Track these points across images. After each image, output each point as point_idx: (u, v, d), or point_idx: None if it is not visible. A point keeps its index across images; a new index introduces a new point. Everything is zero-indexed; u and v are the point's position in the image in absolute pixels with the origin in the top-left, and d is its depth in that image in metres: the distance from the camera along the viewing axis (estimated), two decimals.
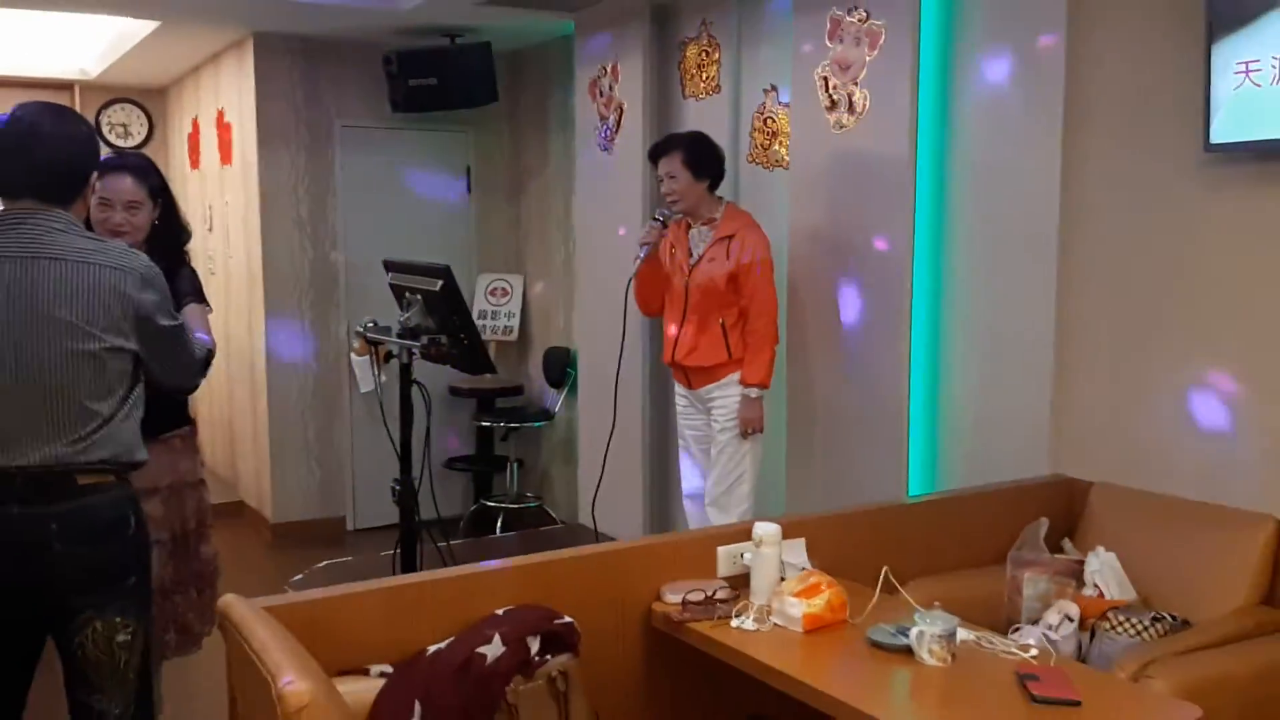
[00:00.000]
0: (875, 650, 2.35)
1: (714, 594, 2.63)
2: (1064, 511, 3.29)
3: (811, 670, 2.29)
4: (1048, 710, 2.06)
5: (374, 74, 5.85)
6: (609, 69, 5.13)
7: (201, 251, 7.19)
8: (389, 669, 2.29)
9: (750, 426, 3.89)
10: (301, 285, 5.96)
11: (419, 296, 3.62)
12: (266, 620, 2.00)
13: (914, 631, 2.30)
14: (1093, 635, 2.83)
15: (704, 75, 4.76)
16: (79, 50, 7.16)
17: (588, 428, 5.36)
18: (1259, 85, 2.72)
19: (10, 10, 5.73)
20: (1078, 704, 2.08)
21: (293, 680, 1.69)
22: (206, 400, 7.33)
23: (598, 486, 4.25)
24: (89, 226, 2.78)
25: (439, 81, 5.56)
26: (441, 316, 3.55)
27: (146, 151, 7.97)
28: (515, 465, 6.06)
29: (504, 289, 6.33)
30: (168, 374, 2.53)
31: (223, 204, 6.59)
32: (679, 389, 4.15)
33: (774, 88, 4.40)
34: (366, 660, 2.30)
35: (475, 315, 6.23)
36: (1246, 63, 2.74)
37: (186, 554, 3.24)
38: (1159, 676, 2.44)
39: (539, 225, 6.25)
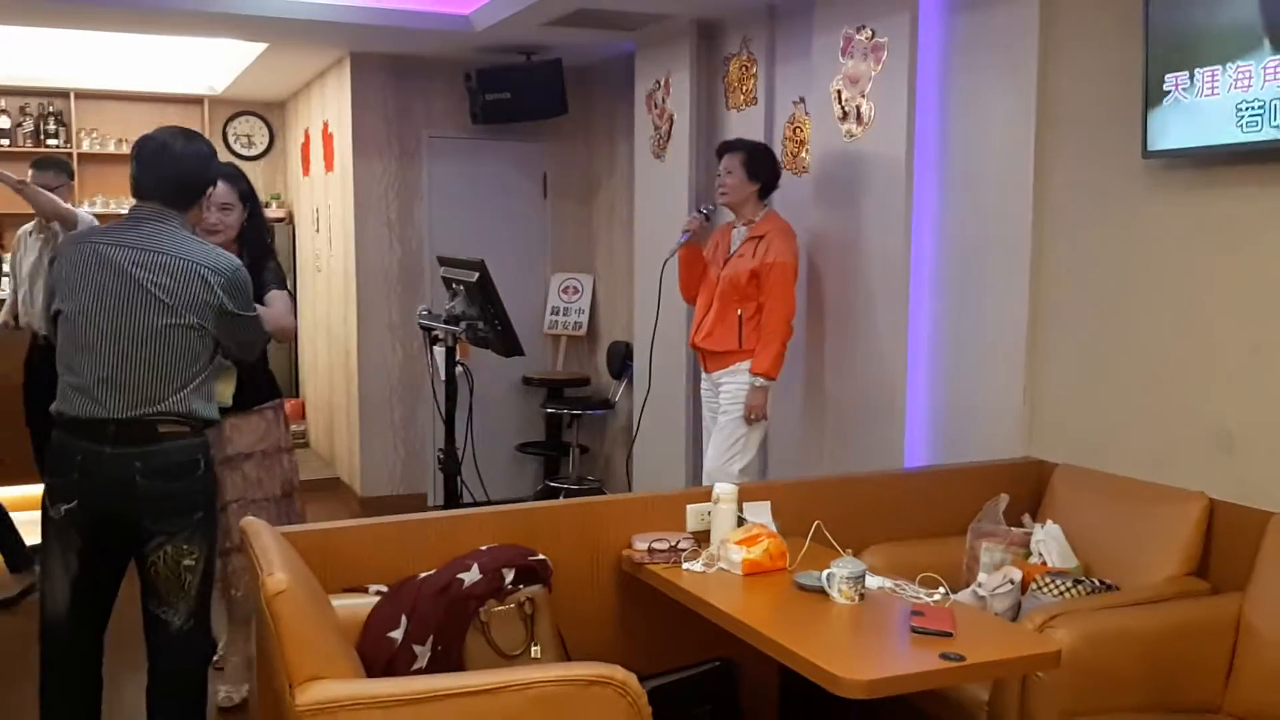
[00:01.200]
0: (798, 591, 2.71)
1: (677, 544, 3.01)
2: (1029, 490, 3.56)
3: (735, 603, 2.67)
4: (923, 639, 2.40)
5: (457, 89, 6.40)
6: (662, 82, 5.55)
7: (310, 250, 7.90)
8: (384, 588, 2.75)
9: (754, 413, 4.23)
10: (390, 280, 6.55)
11: (462, 287, 4.11)
12: (277, 538, 2.49)
13: (825, 573, 2.65)
14: None
15: (744, 88, 5.14)
16: (208, 68, 7.93)
17: (644, 417, 5.77)
18: (1185, 99, 2.98)
19: (144, 34, 6.47)
20: (949, 635, 2.41)
21: (274, 572, 2.17)
22: (311, 383, 8.03)
23: (630, 448, 4.65)
24: None
25: (512, 95, 6.07)
26: (480, 305, 4.03)
27: (266, 160, 8.78)
28: (577, 450, 6.52)
29: (575, 287, 6.80)
30: (239, 350, 3.13)
31: (327, 207, 7.26)
32: (702, 376, 4.54)
33: (802, 99, 4.75)
34: (366, 581, 2.77)
35: (548, 311, 6.75)
36: (1176, 77, 3.00)
37: (282, 513, 3.77)
38: (1061, 627, 2.73)
39: (606, 227, 6.72)
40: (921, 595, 2.69)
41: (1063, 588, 3.01)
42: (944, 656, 2.30)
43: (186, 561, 2.91)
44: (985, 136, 3.81)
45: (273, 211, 8.47)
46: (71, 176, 5.24)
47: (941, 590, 2.70)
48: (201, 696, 3.04)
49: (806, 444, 4.62)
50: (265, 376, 3.80)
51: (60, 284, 2.88)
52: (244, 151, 8.73)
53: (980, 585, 3.09)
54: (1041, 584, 3.04)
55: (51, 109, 7.99)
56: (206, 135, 8.60)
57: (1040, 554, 3.27)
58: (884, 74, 4.07)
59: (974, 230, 3.86)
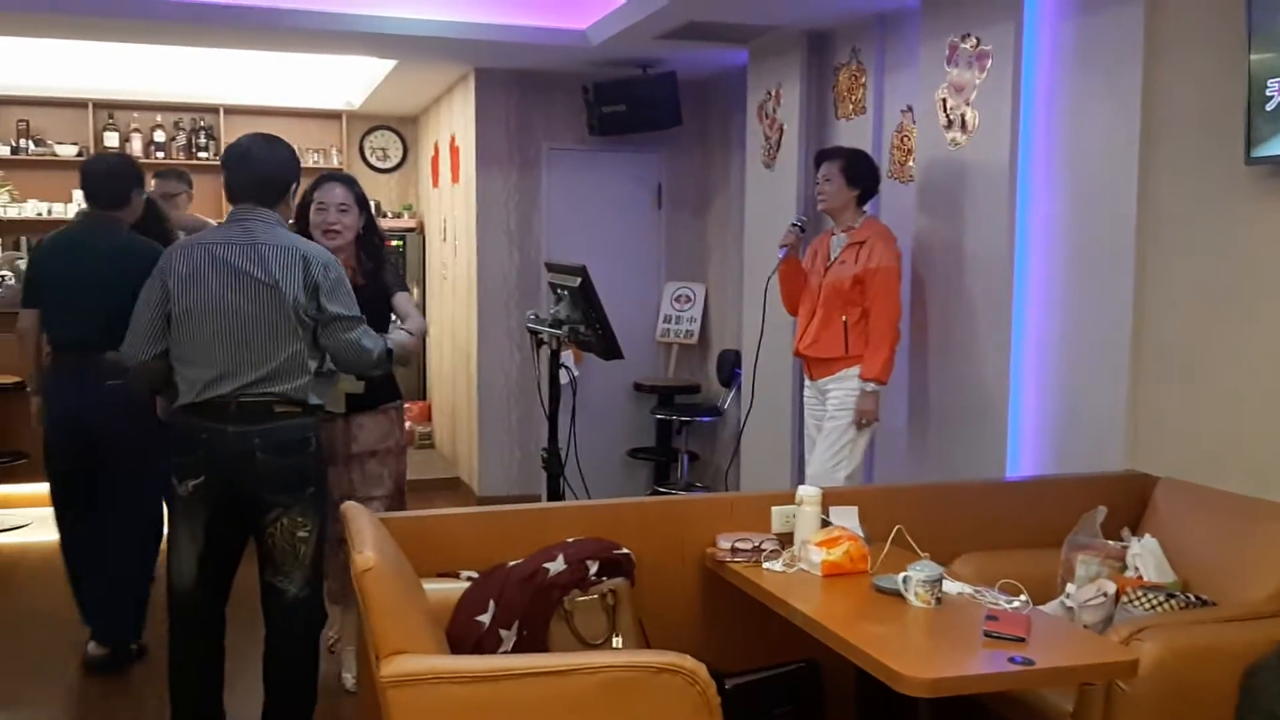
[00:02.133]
0: (876, 594, 2.74)
1: (760, 544, 3.07)
2: (1130, 503, 3.48)
3: (811, 603, 2.70)
4: (994, 642, 2.40)
5: (576, 102, 6.58)
6: (773, 93, 5.60)
7: (438, 259, 8.20)
8: (475, 574, 2.89)
9: (865, 418, 4.26)
10: (509, 287, 6.77)
11: (566, 292, 4.24)
12: (372, 522, 2.64)
13: (901, 576, 2.67)
14: None
15: (853, 97, 5.15)
16: (344, 84, 8.33)
17: (751, 424, 5.82)
18: None
19: (284, 52, 6.85)
20: (1021, 640, 2.40)
21: (364, 550, 2.31)
22: (437, 386, 8.32)
23: (734, 453, 4.72)
24: (304, 231, 3.64)
25: (627, 108, 6.22)
26: (583, 309, 4.16)
27: (400, 173, 9.14)
28: (686, 456, 6.61)
29: (687, 296, 6.90)
30: (337, 351, 3.22)
31: (453, 217, 7.53)
32: (806, 383, 4.57)
33: (909, 108, 4.74)
34: (458, 567, 2.91)
35: (660, 319, 6.86)
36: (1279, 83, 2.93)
37: (393, 508, 3.90)
38: (1149, 640, 2.68)
39: (719, 237, 6.79)
40: (1000, 601, 2.68)
41: (1155, 601, 2.95)
42: (1012, 660, 2.30)
43: (300, 533, 3.15)
44: (1089, 143, 3.75)
45: (404, 222, 8.83)
46: (190, 185, 5.53)
47: (1022, 598, 2.69)
48: (314, 660, 3.27)
49: (911, 452, 4.61)
50: (389, 377, 3.93)
51: (176, 286, 3.09)
52: (379, 164, 9.11)
53: (1068, 596, 3.05)
54: (1134, 597, 2.98)
55: (203, 124, 8.50)
56: (344, 148, 9.08)
57: (1136, 568, 3.20)
58: (988, 81, 4.05)
59: (1078, 238, 3.81)
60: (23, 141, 8.09)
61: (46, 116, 8.24)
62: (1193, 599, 2.97)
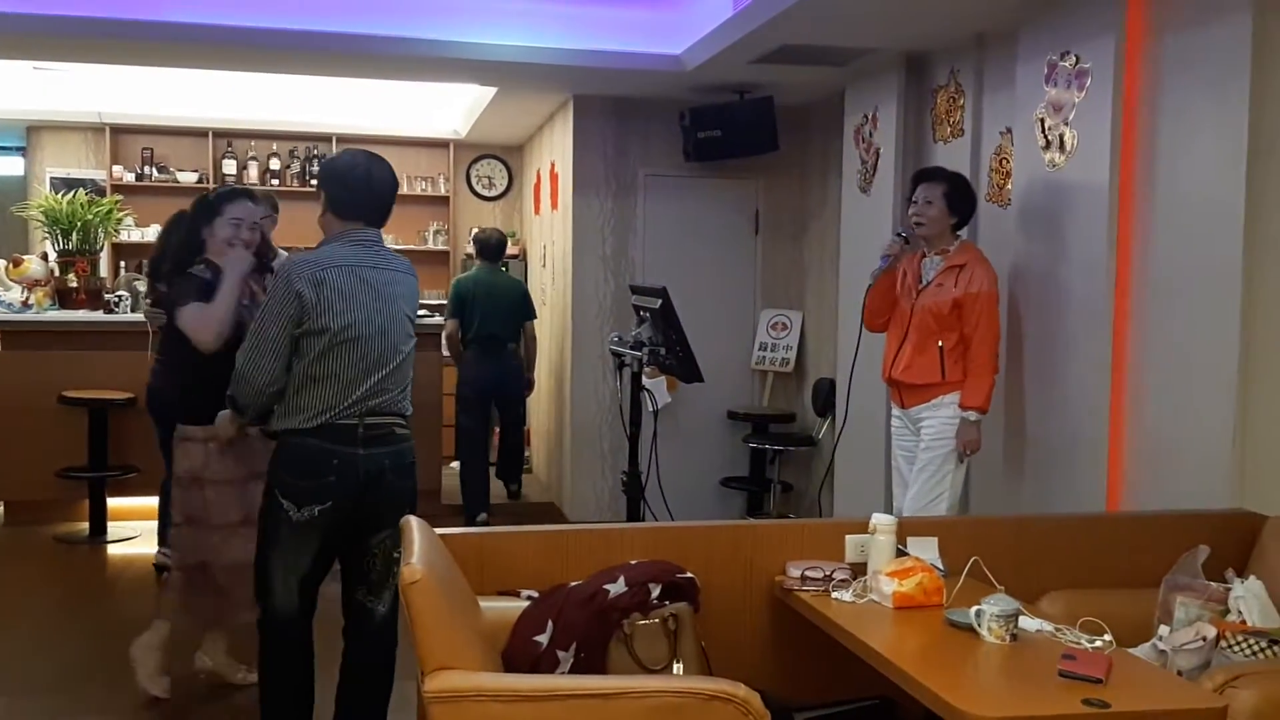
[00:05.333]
0: (949, 629, 2.61)
1: (832, 573, 2.96)
2: (1236, 543, 3.26)
3: (879, 635, 2.59)
4: (1069, 683, 2.26)
5: (673, 129, 6.56)
6: (870, 116, 5.50)
7: (537, 285, 8.27)
8: (535, 594, 2.85)
9: (970, 448, 4.09)
10: (603, 313, 6.77)
11: (648, 314, 4.22)
12: (428, 535, 2.63)
13: (974, 610, 2.54)
14: None
15: (951, 120, 5.02)
16: (451, 113, 8.51)
17: (842, 452, 5.69)
18: None
19: (388, 78, 7.02)
20: (1099, 681, 2.25)
21: (412, 563, 2.30)
22: (536, 411, 8.36)
23: (822, 482, 4.59)
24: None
25: (723, 133, 6.18)
26: (664, 331, 4.13)
27: (505, 200, 9.28)
28: (778, 486, 6.48)
29: (784, 323, 6.80)
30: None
31: (552, 244, 7.59)
32: (894, 411, 4.41)
33: (1008, 130, 4.59)
34: (519, 586, 2.88)
35: (755, 347, 6.78)
36: None
37: None
38: (1245, 688, 2.49)
39: (817, 264, 6.68)
40: (1081, 640, 2.53)
41: (1258, 647, 2.74)
42: (1086, 702, 2.16)
43: (396, 553, 3.12)
44: (1193, 162, 3.56)
45: (508, 249, 8.93)
46: (276, 210, 5.45)
47: (1105, 638, 2.52)
48: (391, 679, 3.28)
49: (1006, 484, 4.42)
50: None
51: (323, 306, 3.03)
52: (484, 192, 9.27)
53: (1160, 639, 2.86)
54: (1233, 642, 2.78)
55: (316, 152, 8.77)
56: (451, 176, 9.26)
57: (1239, 612, 2.99)
58: (1087, 100, 3.88)
59: (1181, 260, 3.61)
60: (146, 168, 8.47)
61: (169, 145, 8.62)
62: None
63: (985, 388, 4.07)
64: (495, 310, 6.57)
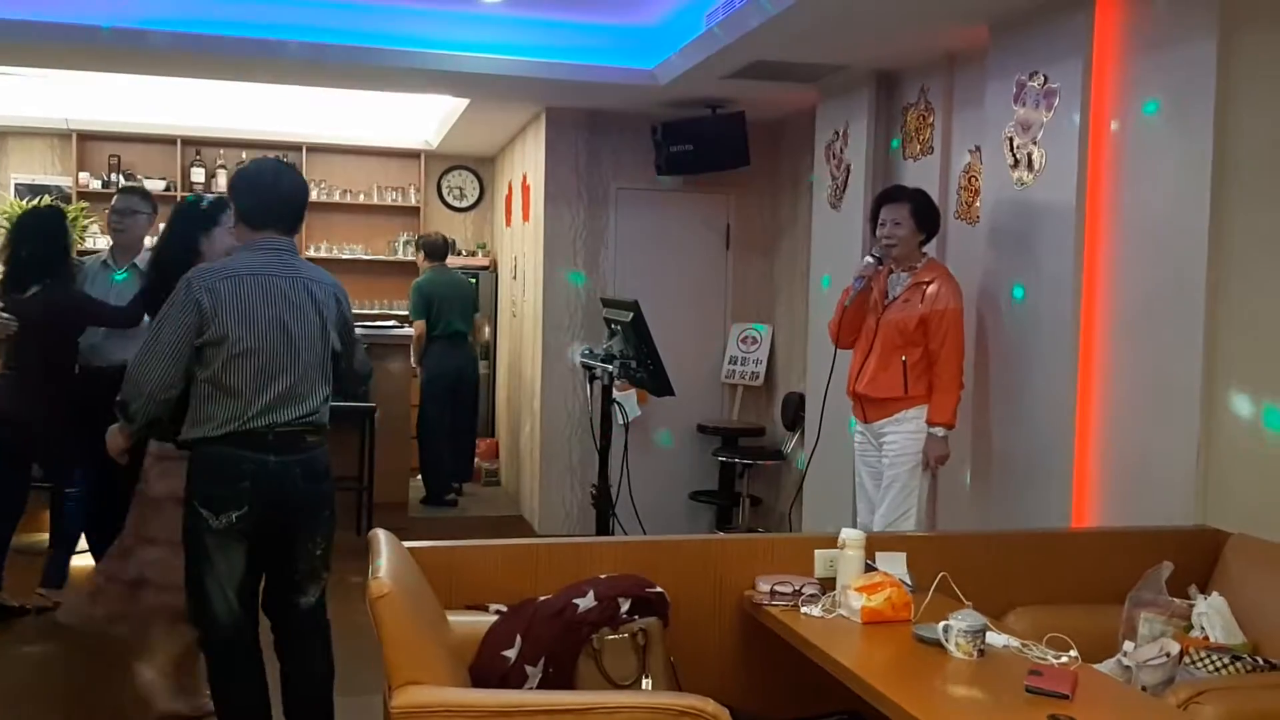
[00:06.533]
0: (916, 644, 2.61)
1: (801, 588, 2.96)
2: (1199, 560, 3.29)
3: (846, 650, 2.59)
4: (1035, 699, 2.26)
5: (645, 143, 6.57)
6: (841, 133, 5.54)
7: (507, 297, 8.25)
8: (503, 608, 2.83)
9: (940, 461, 4.13)
10: (574, 325, 6.76)
11: (619, 327, 4.22)
12: (395, 549, 2.61)
13: (942, 625, 2.55)
14: None
15: (920, 137, 5.06)
16: (423, 124, 8.48)
17: (812, 466, 5.69)
18: None
19: (362, 89, 6.99)
20: (1065, 697, 2.26)
21: (379, 577, 2.28)
22: (504, 423, 8.33)
23: (796, 495, 4.60)
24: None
25: (695, 147, 6.20)
26: (635, 344, 4.13)
27: (476, 212, 9.26)
28: (746, 500, 6.49)
29: (754, 338, 6.82)
30: (350, 373, 3.38)
31: (523, 255, 7.57)
32: (856, 426, 4.42)
33: (978, 148, 4.63)
34: (487, 600, 2.86)
35: (725, 360, 6.79)
36: None
37: None
38: (1209, 703, 2.51)
39: (787, 279, 6.71)
40: (1048, 656, 2.54)
41: (1220, 664, 2.77)
42: (1052, 718, 2.17)
43: (318, 552, 3.20)
44: (1158, 183, 3.60)
45: (478, 260, 8.92)
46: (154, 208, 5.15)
47: (1071, 653, 2.54)
48: (330, 669, 3.28)
49: (974, 501, 4.44)
50: None
51: (224, 314, 3.02)
52: (455, 203, 9.24)
53: (1125, 655, 2.88)
54: (1196, 658, 2.81)
55: (286, 161, 8.70)
56: (422, 187, 9.24)
57: (1203, 628, 3.02)
58: (1055, 120, 3.93)
59: (1146, 279, 3.65)
60: (113, 176, 8.38)
61: (136, 152, 8.53)
62: (1261, 662, 2.79)
63: (952, 403, 4.11)
64: (454, 307, 7.32)
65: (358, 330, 3.54)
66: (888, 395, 4.21)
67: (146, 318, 3.63)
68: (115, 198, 5.08)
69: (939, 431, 4.11)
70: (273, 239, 3.15)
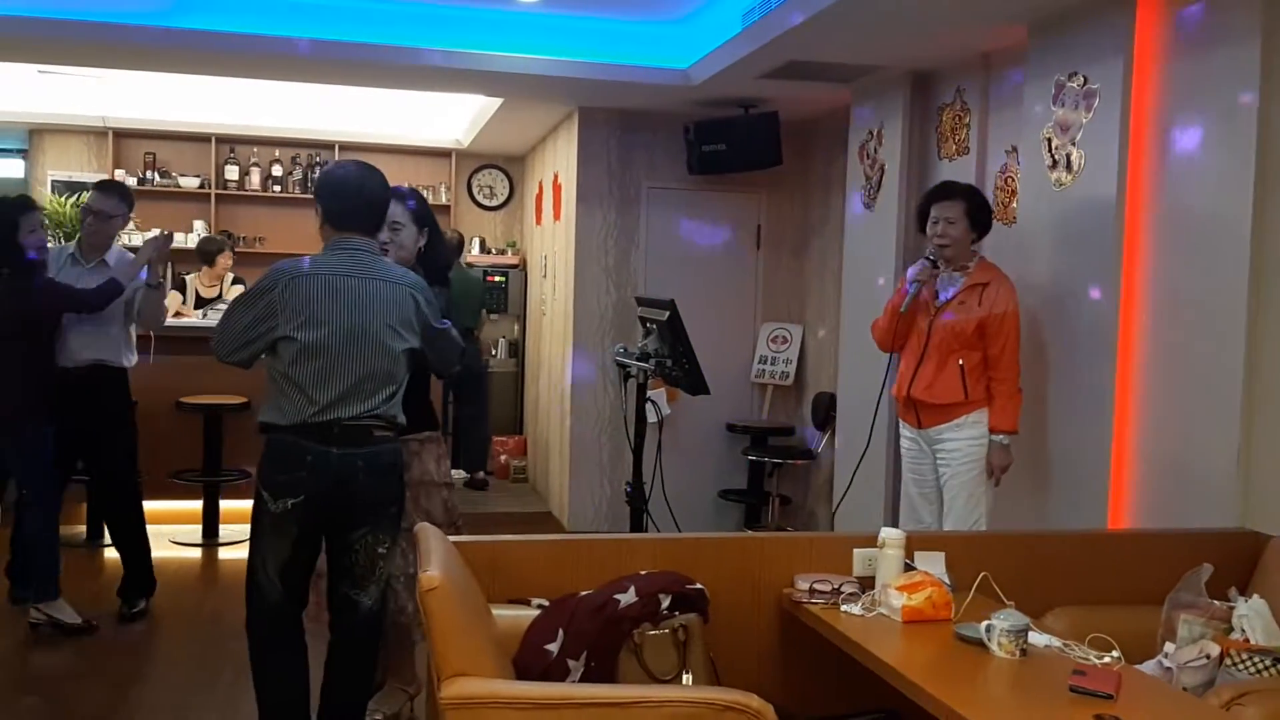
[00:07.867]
0: (958, 643, 2.62)
1: (840, 586, 2.98)
2: (1239, 562, 3.28)
3: (888, 648, 2.60)
4: (1080, 699, 2.27)
5: (678, 142, 6.59)
6: (875, 133, 5.54)
7: (536, 296, 8.28)
8: (545, 602, 2.85)
9: (1003, 472, 4.04)
10: (604, 324, 6.78)
11: (654, 326, 4.23)
12: (443, 543, 2.64)
13: (984, 625, 2.55)
14: None
15: (956, 137, 5.06)
16: (454, 123, 8.52)
17: (843, 467, 5.71)
18: None
19: (397, 89, 7.04)
20: (1110, 697, 2.27)
21: (430, 570, 2.31)
22: (533, 421, 8.37)
23: (840, 499, 4.59)
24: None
25: (727, 147, 6.21)
26: (670, 343, 4.14)
27: (506, 210, 9.30)
28: (775, 499, 6.49)
29: (784, 337, 6.82)
30: (440, 363, 3.44)
31: (553, 254, 7.61)
32: (906, 431, 4.29)
33: (1014, 149, 4.63)
34: (530, 594, 2.88)
35: (755, 360, 6.80)
36: None
37: None
38: (1251, 705, 2.52)
39: (818, 279, 6.71)
40: (1090, 656, 2.54)
41: (1261, 666, 2.76)
42: (1098, 718, 2.17)
43: (380, 549, 3.22)
44: (1200, 184, 3.59)
45: (507, 259, 8.96)
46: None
47: (1114, 654, 2.54)
48: (371, 670, 3.33)
49: (1011, 501, 4.41)
50: (417, 408, 3.55)
51: (298, 310, 3.09)
52: (485, 202, 9.29)
53: (1166, 656, 2.88)
54: (1238, 660, 2.80)
55: (318, 159, 8.78)
56: (452, 185, 9.29)
57: (1243, 630, 3.01)
58: (1095, 121, 3.92)
59: (1187, 282, 3.64)
60: (149, 173, 8.47)
61: (171, 149, 8.62)
62: None
63: (1014, 409, 4.00)
64: (469, 304, 7.39)
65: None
66: (947, 400, 4.07)
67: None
68: (92, 195, 4.79)
69: (1002, 439, 4.01)
70: (352, 239, 3.20)
